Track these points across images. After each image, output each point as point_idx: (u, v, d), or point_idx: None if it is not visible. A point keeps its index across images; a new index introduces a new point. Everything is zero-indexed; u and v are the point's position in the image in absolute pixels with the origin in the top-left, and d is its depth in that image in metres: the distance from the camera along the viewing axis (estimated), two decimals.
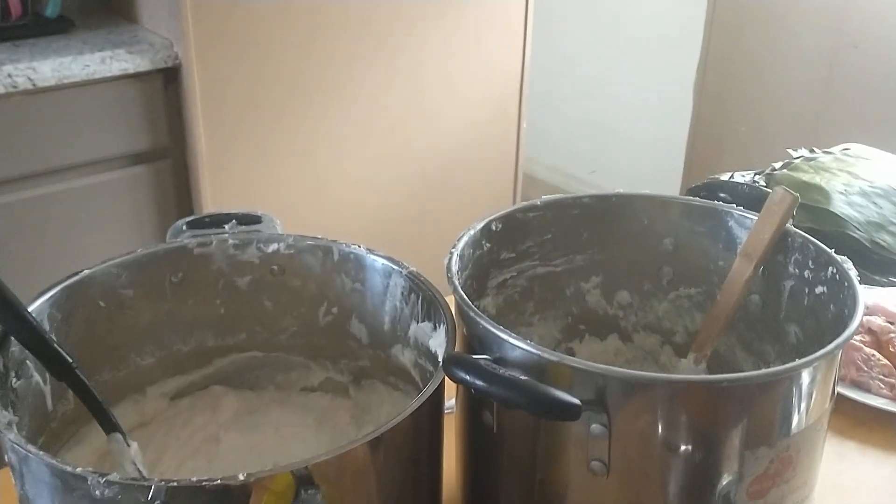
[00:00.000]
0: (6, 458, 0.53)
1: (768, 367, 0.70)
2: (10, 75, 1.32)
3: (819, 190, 1.11)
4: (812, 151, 1.27)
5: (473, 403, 0.58)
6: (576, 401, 0.48)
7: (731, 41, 2.33)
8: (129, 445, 0.59)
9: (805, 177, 1.18)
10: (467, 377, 0.49)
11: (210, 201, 1.56)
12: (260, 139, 1.58)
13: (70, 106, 1.40)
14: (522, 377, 0.48)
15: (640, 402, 0.51)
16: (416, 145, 1.80)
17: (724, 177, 1.18)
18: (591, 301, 0.76)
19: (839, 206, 1.04)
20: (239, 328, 0.73)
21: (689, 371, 0.68)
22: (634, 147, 2.67)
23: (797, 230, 0.66)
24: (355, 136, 1.70)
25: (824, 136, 2.20)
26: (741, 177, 1.19)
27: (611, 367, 0.50)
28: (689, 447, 0.52)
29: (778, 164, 1.22)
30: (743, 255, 0.67)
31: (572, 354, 0.77)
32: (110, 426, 0.59)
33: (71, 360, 0.58)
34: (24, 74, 1.33)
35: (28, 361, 0.59)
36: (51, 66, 1.35)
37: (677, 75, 2.49)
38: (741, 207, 0.70)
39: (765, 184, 1.16)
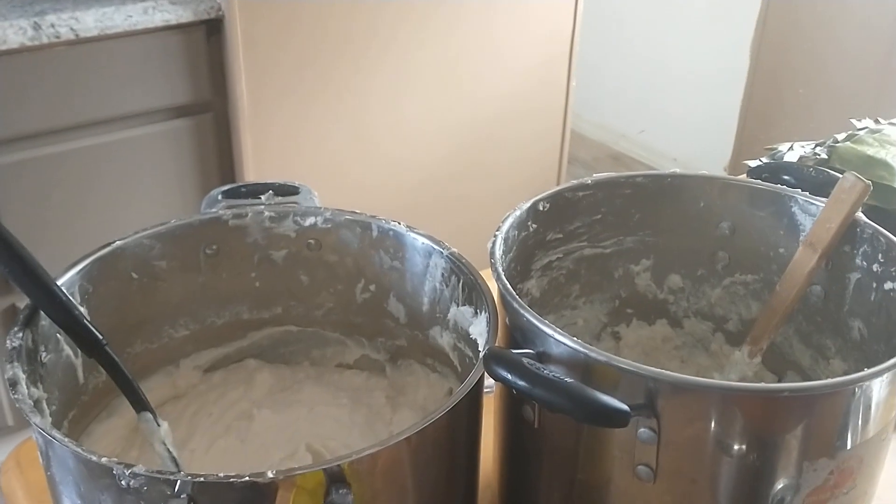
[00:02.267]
0: (34, 436, 0.52)
1: (827, 362, 0.66)
2: (53, 25, 1.30)
3: (884, 165, 1.05)
4: (877, 122, 1.20)
5: (514, 395, 0.56)
6: (624, 407, 0.45)
7: (790, 1, 2.22)
8: (159, 425, 0.57)
9: (870, 150, 1.11)
10: (508, 376, 0.47)
11: (251, 156, 1.54)
12: (302, 95, 1.56)
13: (112, 57, 1.38)
14: (568, 380, 0.45)
15: (693, 408, 0.48)
16: (464, 104, 1.76)
17: (783, 147, 1.13)
18: (640, 285, 0.72)
19: None
20: (274, 302, 0.71)
21: (742, 365, 0.65)
22: (686, 108, 2.58)
23: (868, 221, 0.62)
24: (403, 95, 1.66)
25: (887, 105, 2.10)
26: (801, 147, 1.13)
27: (663, 370, 0.47)
28: (744, 456, 0.49)
29: (840, 136, 1.16)
30: (807, 244, 0.63)
31: (618, 339, 0.74)
32: (140, 405, 0.57)
33: (101, 337, 0.56)
34: (67, 24, 1.32)
35: (58, 335, 0.58)
36: (93, 16, 1.33)
37: (733, 35, 2.40)
38: (806, 192, 0.65)
39: (826, 156, 1.10)
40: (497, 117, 1.82)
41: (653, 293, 0.73)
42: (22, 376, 0.51)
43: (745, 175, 1.11)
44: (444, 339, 0.66)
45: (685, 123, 2.61)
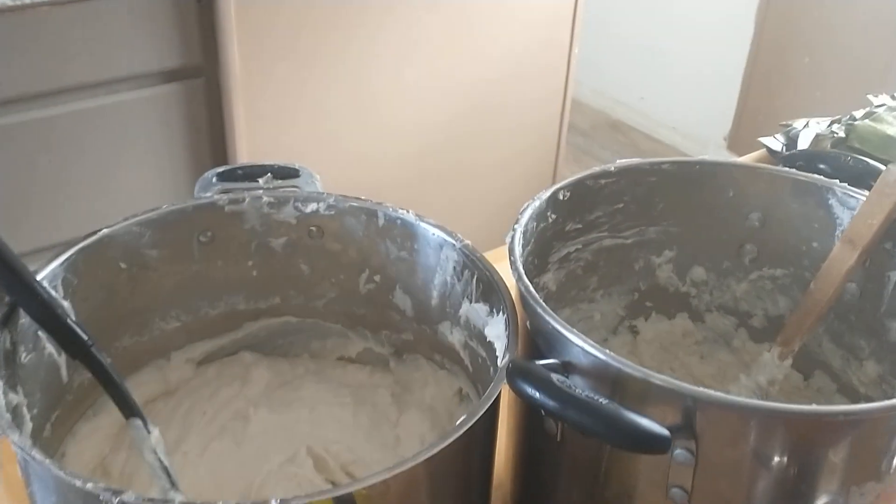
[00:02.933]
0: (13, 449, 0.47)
1: (860, 364, 0.62)
2: None
3: None
4: (894, 98, 1.16)
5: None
6: (665, 432, 0.41)
7: None
8: (149, 432, 0.53)
9: (890, 129, 1.07)
10: (536, 395, 0.42)
11: (244, 123, 1.49)
12: (298, 59, 1.49)
13: (98, 18, 1.31)
14: (603, 401, 0.41)
15: (737, 428, 0.44)
16: (466, 68, 1.70)
17: (798, 124, 1.08)
18: (661, 277, 0.68)
19: None
20: (272, 292, 0.66)
21: (772, 367, 0.61)
22: (687, 74, 2.52)
23: None
24: (403, 59, 1.60)
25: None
26: (816, 124, 1.09)
27: (705, 389, 0.43)
28: (787, 479, 0.45)
29: (858, 113, 1.11)
30: (846, 240, 0.59)
31: (636, 333, 0.70)
32: (130, 410, 0.53)
33: (87, 338, 0.51)
34: None
35: (39, 332, 0.53)
36: None
37: (738, 1, 2.33)
38: (845, 183, 0.61)
39: (844, 135, 1.05)
40: (499, 82, 1.76)
41: (674, 286, 0.68)
42: None
43: (761, 153, 1.08)
44: (455, 336, 0.61)
45: (685, 91, 2.56)
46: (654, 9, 2.58)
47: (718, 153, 2.49)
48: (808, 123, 1.09)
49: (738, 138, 2.46)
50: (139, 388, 0.63)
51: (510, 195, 1.95)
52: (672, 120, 2.63)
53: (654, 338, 0.69)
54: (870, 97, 1.16)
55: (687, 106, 2.57)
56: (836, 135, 1.07)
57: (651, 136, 2.68)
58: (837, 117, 1.10)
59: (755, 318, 0.68)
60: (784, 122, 1.12)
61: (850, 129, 1.08)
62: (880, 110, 1.12)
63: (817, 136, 1.07)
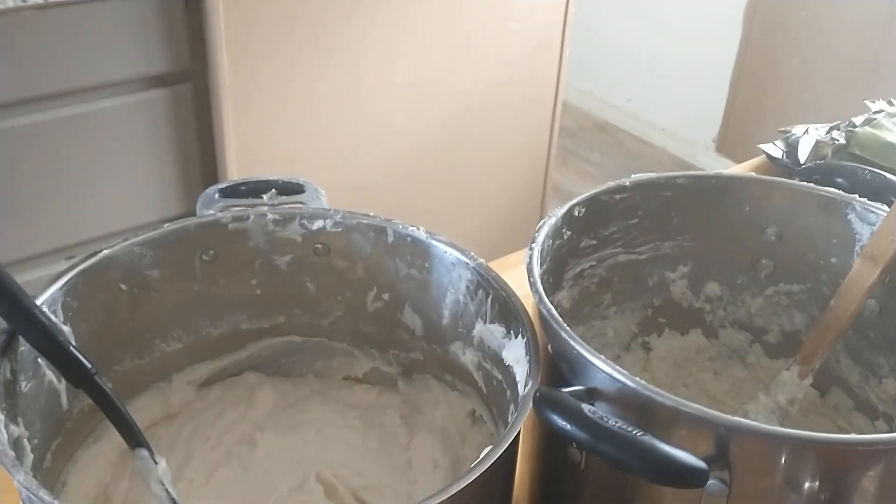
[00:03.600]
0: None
1: (879, 381, 0.61)
2: None
3: None
4: (891, 104, 1.15)
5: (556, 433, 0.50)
6: (702, 465, 0.40)
7: None
8: (156, 462, 0.51)
9: (890, 136, 1.06)
10: (567, 426, 0.41)
11: (232, 127, 1.46)
12: (287, 63, 1.47)
13: (84, 22, 1.28)
14: (638, 434, 0.40)
15: (771, 458, 0.43)
16: (458, 69, 1.68)
17: (798, 130, 1.07)
18: (675, 292, 0.67)
19: None
20: (276, 311, 0.64)
21: (791, 385, 0.60)
22: (675, 76, 2.52)
23: None
24: (394, 61, 1.58)
25: (885, 75, 2.06)
26: (815, 130, 1.08)
27: (739, 419, 0.41)
28: None
29: (858, 119, 1.11)
30: (866, 256, 0.58)
31: (649, 350, 0.69)
32: (135, 440, 0.51)
33: (90, 366, 0.49)
34: None
35: (39, 360, 0.51)
36: None
37: (726, 2, 2.33)
38: (864, 198, 0.60)
39: (844, 141, 1.05)
40: (490, 85, 1.75)
41: (688, 301, 0.67)
42: (0, 418, 0.44)
43: (760, 159, 1.07)
44: (467, 357, 0.60)
45: (674, 92, 2.55)
46: (642, 10, 2.57)
47: (707, 155, 2.49)
48: (807, 130, 1.09)
49: (727, 140, 2.46)
50: (140, 411, 0.61)
51: (501, 197, 1.93)
52: (660, 122, 2.63)
53: (668, 354, 0.68)
54: (867, 103, 1.15)
55: (675, 107, 2.57)
56: (836, 141, 1.06)
57: (639, 138, 2.67)
58: (836, 123, 1.10)
59: (770, 333, 0.67)
60: (783, 129, 1.11)
61: (850, 135, 1.07)
62: (879, 116, 1.12)
63: (817, 142, 1.06)
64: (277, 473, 0.59)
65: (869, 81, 2.03)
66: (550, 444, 0.52)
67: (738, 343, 0.68)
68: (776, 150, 1.06)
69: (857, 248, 0.60)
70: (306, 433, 0.62)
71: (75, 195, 1.38)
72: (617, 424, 0.40)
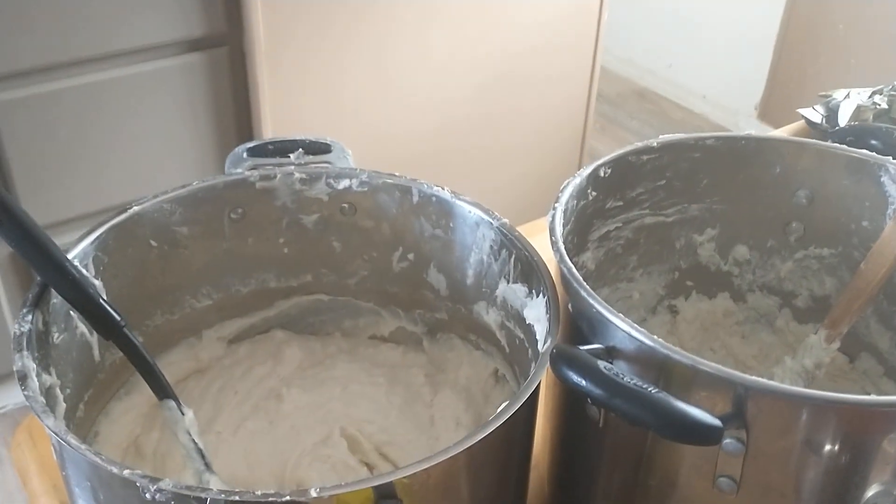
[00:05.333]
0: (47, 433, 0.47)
1: None
2: None
3: None
4: None
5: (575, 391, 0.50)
6: (717, 423, 0.39)
7: None
8: (183, 413, 0.52)
9: None
10: (583, 382, 0.41)
11: (267, 92, 1.47)
12: (321, 28, 1.47)
13: None
14: (653, 390, 0.40)
15: (789, 418, 0.42)
16: (492, 36, 1.67)
17: (838, 94, 1.05)
18: (702, 255, 0.66)
19: None
20: (303, 270, 0.65)
21: (818, 349, 0.59)
22: (717, 41, 2.47)
23: None
24: (429, 27, 1.57)
25: None
26: (857, 95, 1.05)
27: (757, 378, 0.41)
28: (840, 468, 0.43)
29: None
30: None
31: (676, 313, 0.68)
32: (163, 392, 0.52)
33: (119, 318, 0.51)
34: None
35: (71, 312, 0.52)
36: None
37: None
38: None
39: (887, 106, 1.02)
40: (526, 51, 1.73)
41: (716, 265, 0.66)
42: (32, 366, 0.46)
43: (800, 124, 1.05)
44: (490, 316, 0.60)
45: (715, 58, 2.50)
46: None
47: (749, 122, 2.44)
48: (848, 94, 1.06)
49: (770, 107, 2.41)
50: (171, 366, 0.62)
51: (537, 166, 1.92)
52: (701, 88, 2.58)
53: (695, 317, 0.68)
54: None
55: (717, 74, 2.52)
56: (878, 106, 1.04)
57: (680, 105, 2.63)
58: (879, 87, 1.07)
59: (800, 298, 0.66)
60: (823, 93, 1.09)
61: (892, 100, 1.04)
62: None
63: (858, 107, 1.04)
64: (303, 427, 0.60)
65: None
66: (570, 403, 0.52)
67: (766, 307, 0.67)
68: (815, 114, 1.03)
69: (889, 211, 0.59)
70: (332, 389, 0.63)
71: (111, 159, 1.40)
72: (632, 381, 0.40)
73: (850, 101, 1.04)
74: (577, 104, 1.91)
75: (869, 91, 1.06)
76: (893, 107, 1.04)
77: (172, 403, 0.52)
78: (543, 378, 0.48)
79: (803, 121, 1.04)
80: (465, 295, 0.62)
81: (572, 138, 1.93)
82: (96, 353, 0.56)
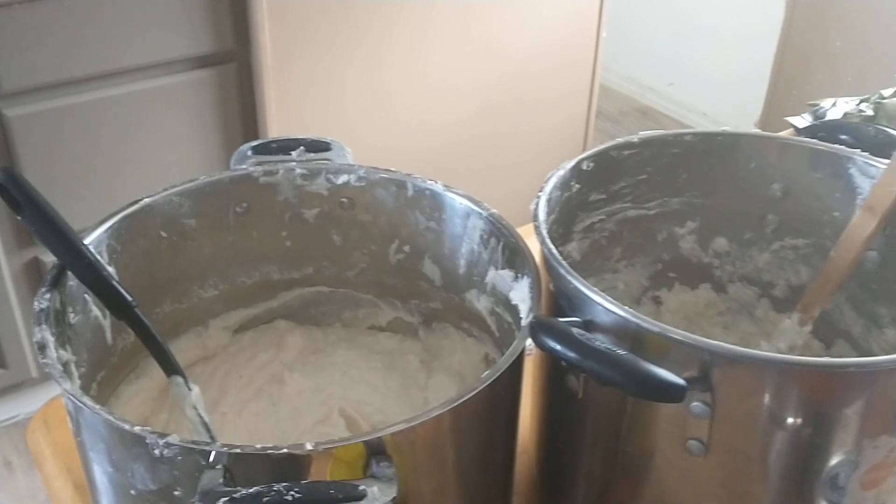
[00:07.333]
0: (63, 401, 0.50)
1: (881, 331, 0.63)
2: None
3: None
4: None
5: (557, 364, 0.53)
6: (680, 382, 0.43)
7: None
8: (190, 389, 0.56)
9: None
10: (557, 346, 0.44)
11: (274, 108, 1.52)
12: (327, 43, 1.52)
13: (133, 6, 1.35)
14: (620, 352, 0.43)
15: (752, 382, 0.45)
16: (490, 57, 1.71)
17: (826, 103, 1.08)
18: (684, 248, 0.69)
19: None
20: (305, 262, 0.69)
21: (792, 333, 0.62)
22: (717, 60, 2.51)
23: None
24: (425, 42, 1.62)
25: None
26: (844, 103, 1.09)
27: (720, 343, 0.45)
28: (802, 432, 0.46)
29: (887, 92, 1.11)
30: (866, 208, 0.60)
31: (660, 304, 0.71)
32: (171, 368, 0.56)
33: (131, 299, 0.54)
34: None
35: (86, 296, 0.56)
36: None
37: None
38: (866, 153, 0.62)
39: (872, 113, 1.06)
40: (524, 71, 1.77)
41: (697, 257, 0.70)
42: (50, 339, 0.49)
43: (789, 132, 1.08)
44: (481, 303, 0.63)
45: (716, 76, 2.55)
46: None
47: None
48: (835, 103, 1.10)
49: (769, 124, 2.44)
50: (179, 353, 0.65)
51: (538, 183, 1.96)
52: (702, 106, 2.62)
53: (678, 308, 0.71)
54: None
55: (717, 92, 2.56)
56: (863, 113, 1.07)
57: (681, 122, 2.67)
58: (866, 96, 1.10)
59: (777, 287, 0.69)
60: (812, 102, 1.12)
61: (878, 107, 1.08)
62: None
63: (845, 115, 1.07)
64: (304, 409, 0.63)
65: None
66: (552, 378, 0.55)
67: (746, 297, 0.70)
68: (803, 122, 1.07)
69: (858, 201, 0.62)
70: (332, 374, 0.66)
71: (123, 172, 1.45)
72: (603, 344, 0.43)
73: (836, 109, 1.08)
74: (577, 123, 1.95)
75: (857, 100, 1.10)
76: (878, 113, 1.07)
77: (180, 379, 0.55)
78: (530, 368, 0.51)
79: (792, 129, 1.07)
80: (457, 284, 0.65)
81: (573, 157, 1.97)
82: (109, 335, 0.59)
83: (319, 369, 0.66)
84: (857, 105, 1.09)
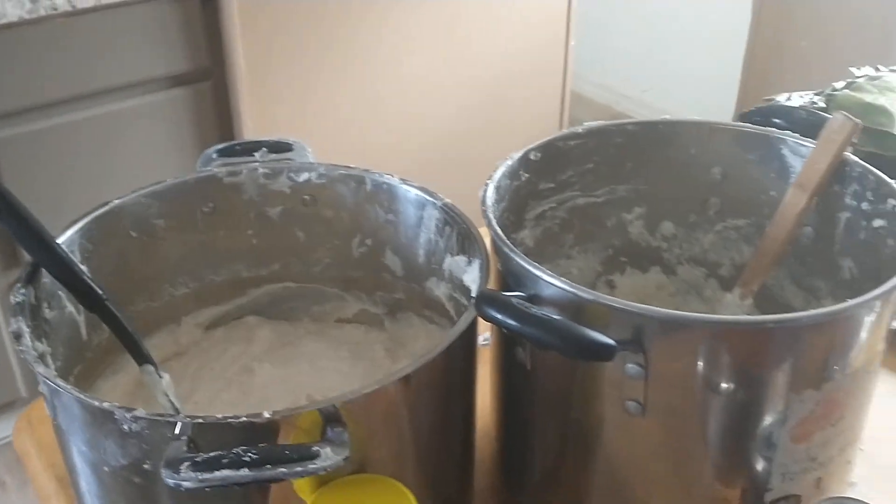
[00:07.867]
0: (40, 388, 0.53)
1: (819, 303, 0.67)
2: None
3: (883, 112, 1.05)
4: (877, 70, 1.20)
5: (507, 340, 0.57)
6: (610, 341, 0.46)
7: None
8: (161, 377, 0.59)
9: (868, 97, 1.11)
10: (499, 316, 0.48)
11: (251, 123, 1.55)
12: (302, 57, 1.56)
13: (109, 27, 1.38)
14: (555, 317, 0.46)
15: (679, 343, 0.49)
16: (465, 63, 1.75)
17: (782, 98, 1.12)
18: (633, 233, 0.73)
19: None
20: (272, 259, 0.72)
21: (734, 307, 0.66)
22: (689, 66, 2.57)
23: (857, 160, 0.62)
24: (404, 55, 1.66)
25: (891, 58, 2.08)
26: (799, 97, 1.13)
27: (649, 306, 0.48)
28: (731, 389, 0.50)
29: (839, 84, 1.15)
30: (797, 185, 0.64)
31: (613, 287, 0.75)
32: (142, 357, 0.59)
33: (101, 293, 0.57)
34: None
35: (60, 292, 0.59)
36: None
37: None
38: (797, 134, 0.66)
39: (824, 105, 1.10)
40: (498, 76, 1.82)
41: (646, 241, 0.73)
42: (26, 330, 0.52)
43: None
44: (441, 290, 0.67)
45: (687, 82, 2.60)
46: (654, 2, 2.62)
47: None
48: (790, 97, 1.13)
49: None
50: (153, 349, 0.67)
51: None
52: (676, 111, 2.67)
53: (631, 291, 0.74)
54: (852, 69, 1.20)
55: (690, 97, 2.61)
56: (816, 104, 1.11)
57: None
58: (819, 90, 1.14)
59: (723, 267, 0.72)
60: (767, 97, 1.16)
61: (830, 99, 1.12)
62: (861, 80, 1.16)
63: (800, 107, 1.11)
64: (274, 397, 0.66)
65: (875, 63, 2.06)
66: (504, 353, 0.58)
67: (695, 278, 0.74)
68: None
69: (792, 180, 0.66)
70: (301, 365, 0.69)
71: (102, 193, 1.47)
72: (541, 312, 0.47)
73: (791, 103, 1.12)
74: (549, 129, 1.99)
75: (810, 94, 1.14)
76: (830, 105, 1.11)
77: (151, 368, 0.58)
78: (486, 356, 0.54)
79: None
80: (418, 273, 0.68)
81: None
82: (84, 331, 0.62)
83: (289, 360, 0.69)
84: (812, 99, 1.13)
